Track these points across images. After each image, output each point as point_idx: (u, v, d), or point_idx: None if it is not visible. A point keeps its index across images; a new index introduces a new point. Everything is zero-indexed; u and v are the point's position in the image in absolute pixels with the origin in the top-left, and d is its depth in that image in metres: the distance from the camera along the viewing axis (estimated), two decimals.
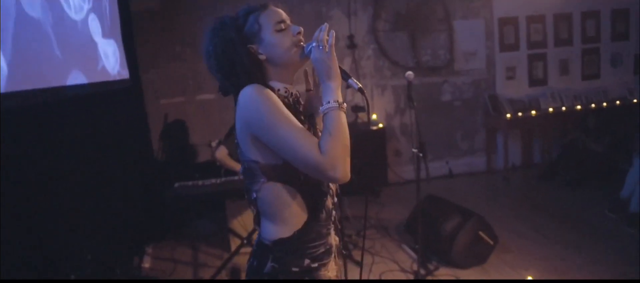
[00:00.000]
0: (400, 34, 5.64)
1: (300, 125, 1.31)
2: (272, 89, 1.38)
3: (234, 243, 3.87)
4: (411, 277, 3.42)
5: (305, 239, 1.39)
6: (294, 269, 1.38)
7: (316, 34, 1.37)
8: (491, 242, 3.57)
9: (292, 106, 1.42)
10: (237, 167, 3.81)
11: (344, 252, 3.36)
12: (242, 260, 3.80)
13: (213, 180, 3.66)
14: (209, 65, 1.42)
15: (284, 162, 1.32)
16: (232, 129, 3.98)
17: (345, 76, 1.41)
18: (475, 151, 6.12)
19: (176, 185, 3.69)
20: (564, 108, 5.87)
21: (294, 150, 1.27)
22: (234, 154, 3.83)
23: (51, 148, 2.87)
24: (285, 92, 1.43)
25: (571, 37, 6.11)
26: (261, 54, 1.40)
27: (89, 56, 3.38)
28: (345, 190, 3.55)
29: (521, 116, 5.72)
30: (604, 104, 5.93)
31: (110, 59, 3.71)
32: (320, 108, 1.35)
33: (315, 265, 1.40)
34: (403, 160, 5.82)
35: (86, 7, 3.34)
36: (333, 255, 1.48)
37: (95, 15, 3.46)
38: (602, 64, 6.23)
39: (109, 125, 3.81)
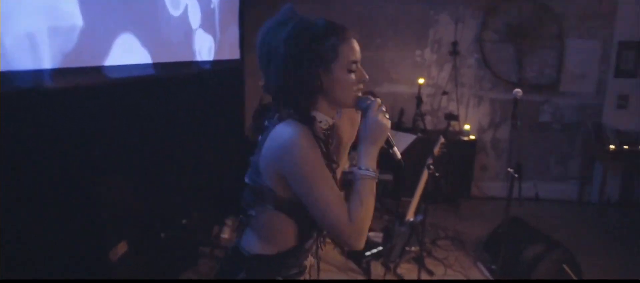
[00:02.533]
0: (507, 46, 5.44)
1: (335, 187, 1.28)
2: (314, 119, 1.33)
3: None
4: None
5: (284, 261, 1.40)
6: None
7: (370, 101, 1.35)
8: (574, 277, 3.40)
9: (326, 139, 1.38)
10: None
11: (419, 261, 3.37)
12: None
13: None
14: (267, 62, 1.31)
15: (300, 200, 1.29)
16: None
17: (389, 144, 1.39)
18: (568, 179, 5.78)
19: None
20: None
21: (324, 213, 1.25)
22: None
23: (160, 118, 3.14)
24: (326, 124, 1.38)
25: None
26: (324, 83, 1.30)
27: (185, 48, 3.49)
28: (428, 198, 3.55)
29: (627, 149, 5.30)
30: None
31: (202, 53, 3.81)
32: (357, 170, 1.32)
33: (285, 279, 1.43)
34: (488, 176, 5.64)
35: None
36: (305, 273, 1.50)
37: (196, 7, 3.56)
38: None
39: (212, 100, 4.06)
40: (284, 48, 1.26)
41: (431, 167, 3.12)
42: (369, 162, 1.32)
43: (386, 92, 5.33)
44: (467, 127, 5.41)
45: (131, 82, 2.70)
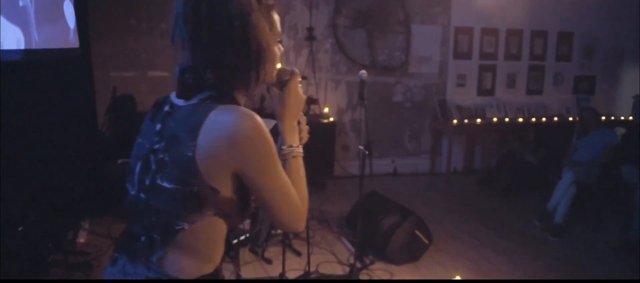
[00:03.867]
0: (359, 32, 5.73)
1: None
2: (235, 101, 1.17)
3: None
4: (347, 269, 3.52)
5: (219, 272, 1.24)
6: None
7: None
8: (426, 241, 3.73)
9: None
10: None
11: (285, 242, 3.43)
12: None
13: None
14: (211, 34, 1.08)
15: (238, 198, 1.13)
16: None
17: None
18: (421, 153, 6.33)
19: (119, 161, 3.62)
20: (507, 119, 6.16)
21: (285, 200, 1.13)
22: None
23: None
24: None
25: (520, 52, 6.40)
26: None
27: None
28: None
29: (467, 123, 5.96)
30: (544, 119, 6.26)
31: (5, 43, 3.33)
32: (288, 147, 1.22)
33: None
34: (350, 155, 5.93)
35: None
36: None
37: None
38: (546, 81, 6.58)
39: (54, 93, 3.69)
40: (239, 17, 1.08)
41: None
42: (296, 138, 1.23)
43: None
44: (326, 109, 5.61)
45: None
